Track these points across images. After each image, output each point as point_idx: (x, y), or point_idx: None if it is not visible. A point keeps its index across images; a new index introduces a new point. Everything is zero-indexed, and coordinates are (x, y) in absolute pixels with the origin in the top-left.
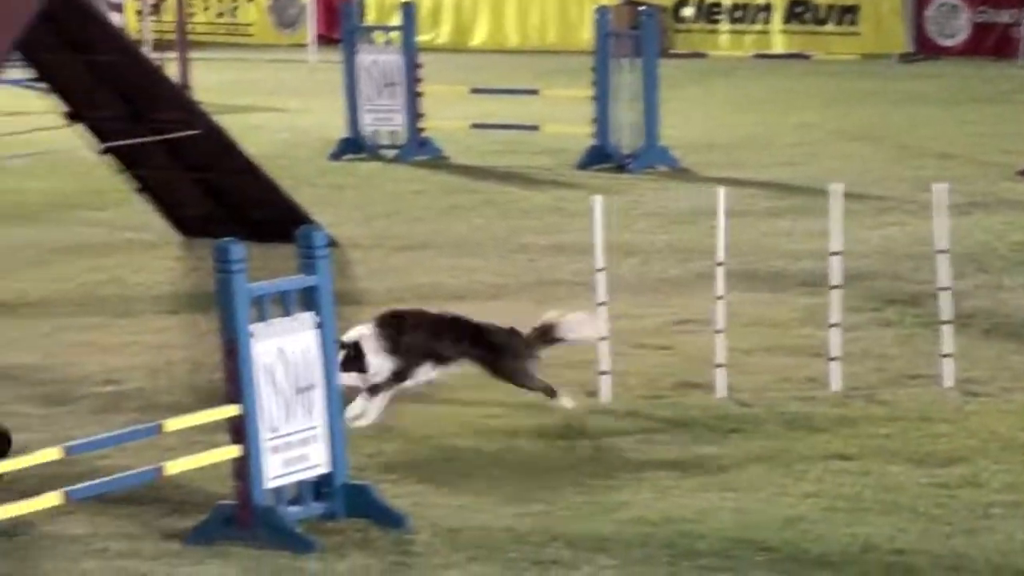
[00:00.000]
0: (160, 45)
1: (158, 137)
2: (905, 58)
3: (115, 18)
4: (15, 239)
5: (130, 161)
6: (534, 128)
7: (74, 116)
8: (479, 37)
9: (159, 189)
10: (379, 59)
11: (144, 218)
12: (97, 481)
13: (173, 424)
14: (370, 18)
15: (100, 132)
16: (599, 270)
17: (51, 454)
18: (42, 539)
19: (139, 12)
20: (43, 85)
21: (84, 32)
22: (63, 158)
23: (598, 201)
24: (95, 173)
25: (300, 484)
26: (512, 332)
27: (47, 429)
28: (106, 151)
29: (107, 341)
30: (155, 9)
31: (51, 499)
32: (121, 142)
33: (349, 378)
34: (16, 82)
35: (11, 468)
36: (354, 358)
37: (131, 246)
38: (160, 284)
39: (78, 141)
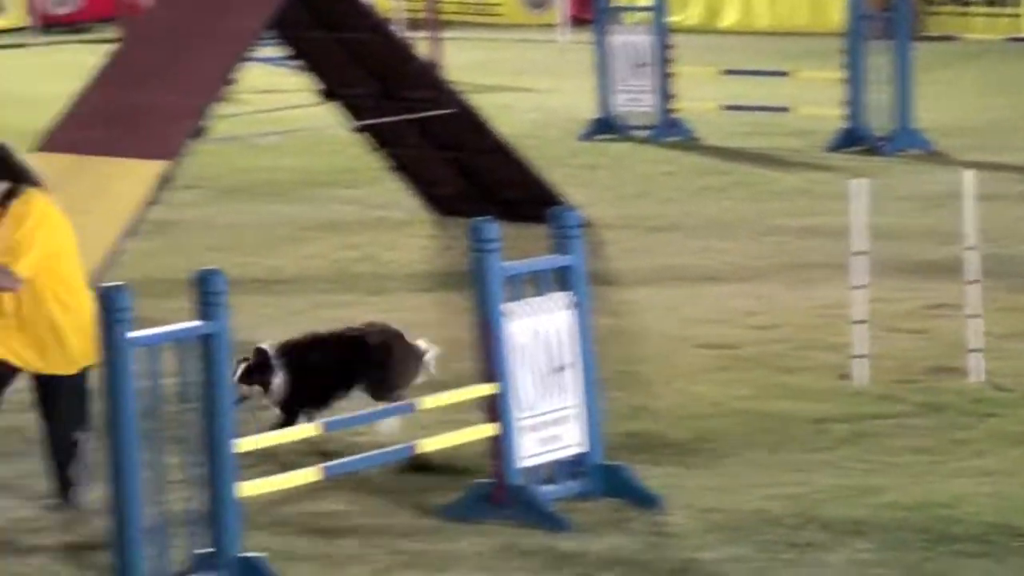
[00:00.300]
0: (412, 24)
1: (411, 116)
2: None
3: None
4: (269, 216)
5: (383, 140)
6: (784, 110)
7: (328, 94)
8: (729, 18)
9: (411, 168)
10: (630, 40)
11: (396, 196)
12: (354, 457)
13: (429, 402)
14: None
15: (354, 110)
16: (856, 253)
17: (310, 430)
18: (298, 515)
19: None
20: (298, 63)
21: (338, 11)
22: (317, 136)
23: (858, 184)
24: (348, 151)
25: (555, 463)
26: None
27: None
28: (360, 129)
29: (361, 317)
30: None
31: (309, 475)
32: (375, 120)
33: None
34: (271, 60)
35: (271, 443)
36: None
37: (383, 224)
38: (413, 262)
39: (332, 119)
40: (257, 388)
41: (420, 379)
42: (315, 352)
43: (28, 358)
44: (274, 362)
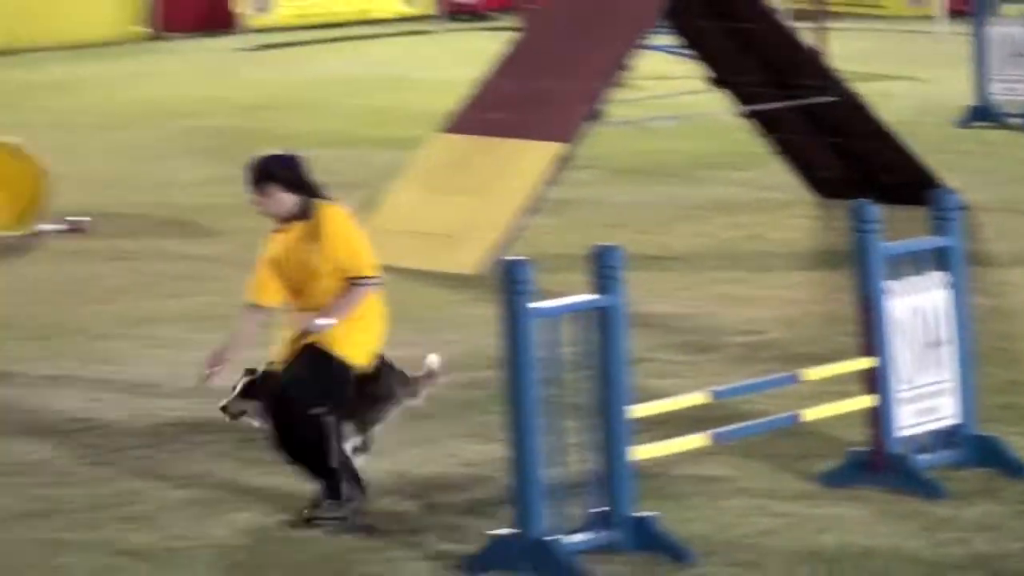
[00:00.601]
0: (799, 15)
1: (796, 102)
2: None
3: None
4: (660, 196)
5: (769, 125)
6: None
7: (718, 82)
8: None
9: (795, 152)
10: (1007, 31)
11: (780, 178)
12: (743, 425)
13: (812, 374)
14: None
15: (742, 97)
16: None
17: (699, 399)
18: (687, 478)
19: None
20: (689, 52)
21: (728, 1)
22: (706, 121)
23: None
24: (736, 136)
25: (930, 434)
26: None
27: (690, 375)
28: (748, 115)
29: (746, 294)
30: None
31: (698, 440)
32: (762, 106)
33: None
34: (663, 49)
35: (661, 410)
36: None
37: (768, 205)
38: (796, 241)
39: (721, 105)
40: (254, 403)
41: (417, 398)
42: None
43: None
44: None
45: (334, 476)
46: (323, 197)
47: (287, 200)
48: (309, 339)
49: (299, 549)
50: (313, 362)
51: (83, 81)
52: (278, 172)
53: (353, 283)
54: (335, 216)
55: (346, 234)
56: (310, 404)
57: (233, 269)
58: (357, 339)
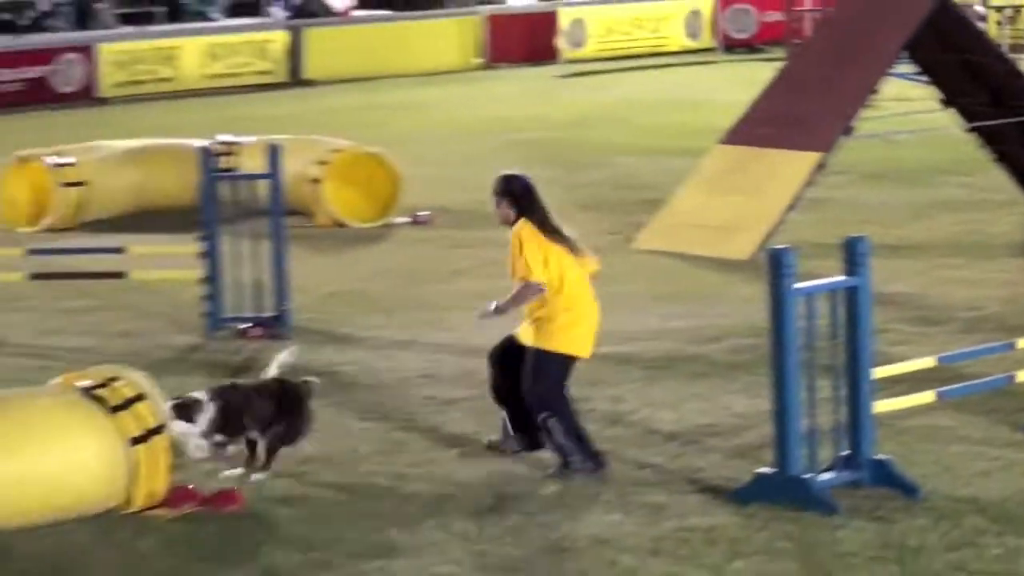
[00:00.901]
0: (1015, 48)
1: (1015, 119)
2: None
3: (981, 26)
4: (899, 197)
5: (990, 138)
6: None
7: (947, 102)
8: None
9: (1012, 160)
10: None
11: (999, 183)
12: (965, 384)
13: None
14: None
15: (967, 114)
16: None
17: (927, 363)
18: (918, 427)
19: (999, 22)
20: (923, 78)
21: (959, 37)
22: (937, 135)
23: None
24: (962, 147)
25: None
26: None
27: (922, 343)
28: (972, 130)
29: (969, 277)
30: (1011, 19)
31: (927, 397)
32: (984, 123)
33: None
34: (903, 75)
35: (897, 372)
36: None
37: (989, 204)
38: (1012, 234)
39: (950, 121)
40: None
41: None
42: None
43: (525, 335)
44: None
45: (562, 451)
46: (526, 214)
47: (510, 212)
48: (533, 338)
49: (593, 483)
50: (535, 363)
51: (430, 103)
52: (509, 189)
53: (520, 282)
54: (516, 230)
55: (515, 245)
56: (539, 411)
57: None
58: (571, 332)
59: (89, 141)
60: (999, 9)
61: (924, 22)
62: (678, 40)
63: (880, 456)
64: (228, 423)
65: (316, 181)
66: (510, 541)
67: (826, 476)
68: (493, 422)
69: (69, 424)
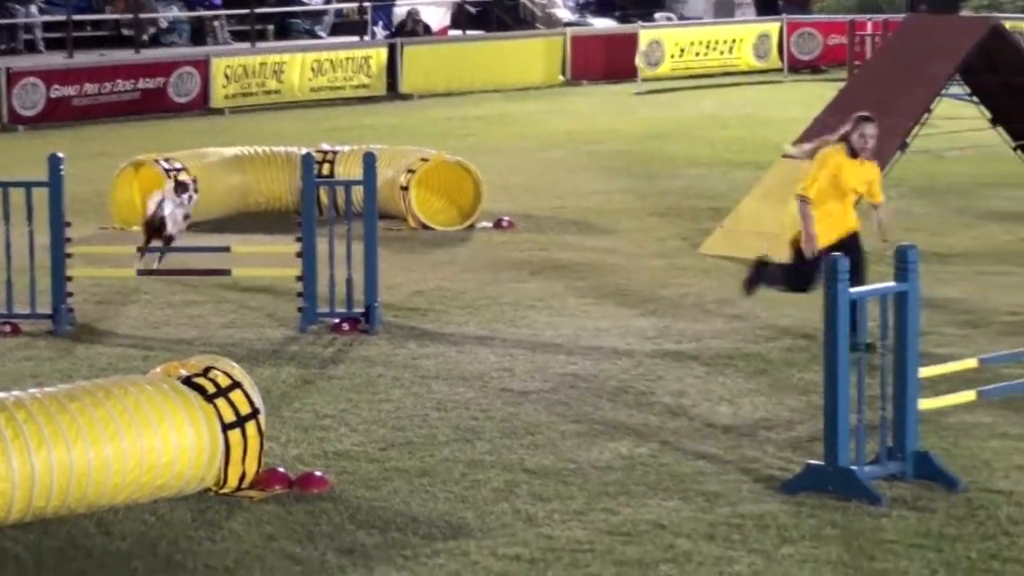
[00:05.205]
0: None
1: None
2: None
3: None
4: (948, 208)
5: None
6: None
7: (995, 121)
8: None
9: None
10: None
11: None
12: (1004, 384)
13: None
14: None
15: (1013, 133)
16: None
17: (969, 364)
18: (958, 423)
19: None
20: (974, 99)
21: (1007, 60)
22: (985, 152)
23: None
24: (1008, 164)
25: None
26: None
27: (965, 345)
28: (1017, 148)
29: (1012, 283)
30: None
31: (968, 396)
32: None
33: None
34: (956, 96)
35: (941, 372)
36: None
37: None
38: None
39: (997, 140)
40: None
41: None
42: None
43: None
44: None
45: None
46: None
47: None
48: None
49: (654, 471)
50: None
51: (517, 116)
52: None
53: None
54: (820, 155)
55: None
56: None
57: (622, 259)
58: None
59: (200, 148)
60: None
61: (976, 48)
62: (747, 61)
63: (923, 450)
64: None
65: (404, 188)
66: (575, 524)
67: (872, 468)
68: (563, 412)
69: (170, 409)
